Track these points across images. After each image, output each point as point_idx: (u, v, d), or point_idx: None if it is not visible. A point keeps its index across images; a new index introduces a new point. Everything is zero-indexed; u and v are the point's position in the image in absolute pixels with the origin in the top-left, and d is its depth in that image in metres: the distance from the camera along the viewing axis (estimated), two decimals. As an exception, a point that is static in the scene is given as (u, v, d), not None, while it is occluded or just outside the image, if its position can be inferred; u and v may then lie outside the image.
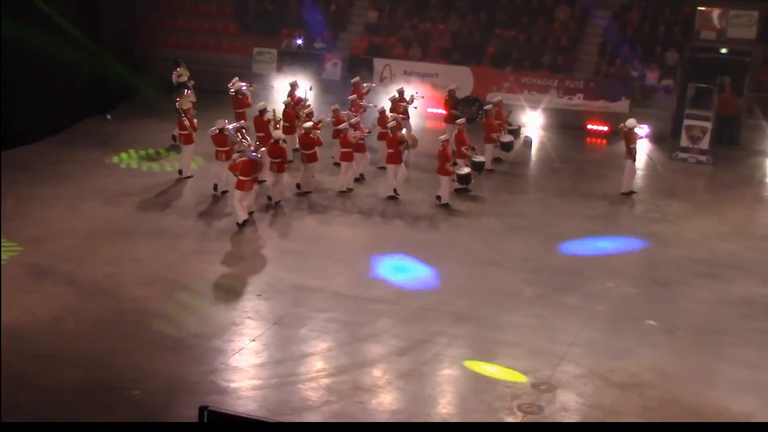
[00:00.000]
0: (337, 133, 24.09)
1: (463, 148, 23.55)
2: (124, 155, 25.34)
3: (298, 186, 22.93)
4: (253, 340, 15.82)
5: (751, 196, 24.73)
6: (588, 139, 29.78)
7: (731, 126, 29.15)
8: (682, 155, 27.08)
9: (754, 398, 14.44)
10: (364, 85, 28.08)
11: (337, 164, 24.00)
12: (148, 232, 20.25)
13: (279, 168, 22.14)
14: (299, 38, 34.10)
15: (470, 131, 24.92)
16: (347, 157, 23.18)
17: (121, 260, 18.73)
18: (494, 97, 27.67)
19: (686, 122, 27.57)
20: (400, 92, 26.98)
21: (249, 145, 21.36)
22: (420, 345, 15.83)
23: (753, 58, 30.70)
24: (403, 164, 23.20)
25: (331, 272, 18.56)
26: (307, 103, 25.61)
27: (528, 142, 28.03)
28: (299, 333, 16.17)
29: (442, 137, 22.90)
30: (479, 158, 24.01)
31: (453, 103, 27.53)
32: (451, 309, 17.19)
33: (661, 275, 19.16)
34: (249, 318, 16.63)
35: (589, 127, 30.18)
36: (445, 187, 22.49)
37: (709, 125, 27.82)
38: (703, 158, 26.72)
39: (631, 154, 23.72)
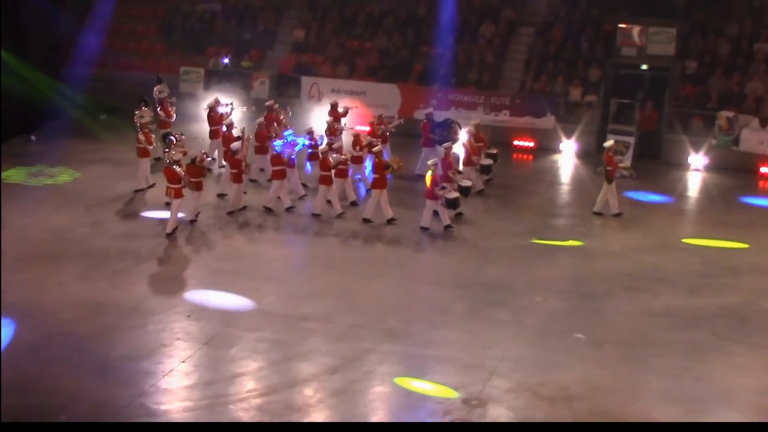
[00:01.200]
0: (315, 156, 24.09)
1: (450, 172, 23.23)
2: (11, 172, 24.96)
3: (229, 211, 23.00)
4: (183, 362, 15.69)
5: (673, 210, 25.25)
6: (514, 155, 30.12)
7: (653, 141, 29.75)
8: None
9: (678, 407, 14.71)
10: (341, 107, 27.70)
11: (305, 185, 24.38)
12: (75, 254, 19.99)
13: (236, 179, 22.53)
14: (226, 57, 34.02)
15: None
16: (325, 181, 22.94)
17: (46, 283, 18.46)
18: (471, 120, 27.17)
19: (609, 137, 28.02)
20: (334, 104, 27.04)
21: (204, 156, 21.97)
22: (351, 363, 15.85)
23: (672, 74, 31.40)
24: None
25: (262, 291, 18.51)
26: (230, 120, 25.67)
27: (456, 159, 28.20)
28: (230, 353, 16.08)
29: (430, 161, 22.76)
30: (466, 182, 23.69)
31: (431, 126, 27.02)
32: (382, 326, 17.24)
33: (588, 289, 19.45)
34: (179, 339, 16.50)
35: (516, 143, 30.56)
36: (429, 211, 22.28)
37: (632, 140, 28.40)
38: (626, 173, 27.17)
39: (608, 176, 23.72)
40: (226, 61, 33.99)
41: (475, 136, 25.87)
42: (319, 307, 18.01)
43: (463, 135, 26.15)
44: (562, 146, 29.88)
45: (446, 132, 26.55)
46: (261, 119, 25.63)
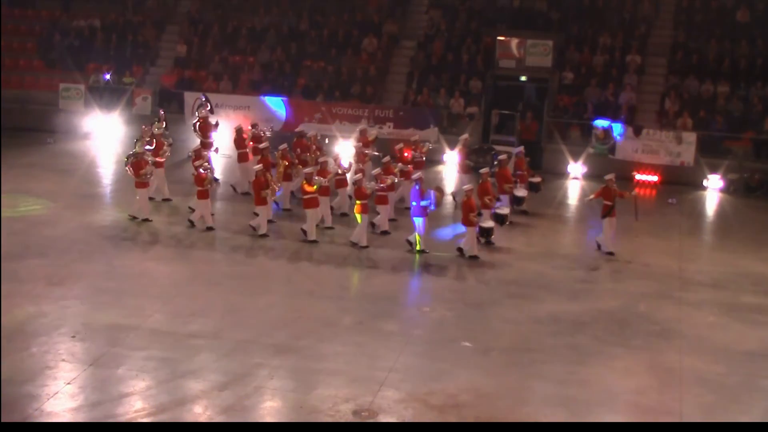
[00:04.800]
0: (342, 183, 24.06)
1: (486, 199, 22.93)
2: None
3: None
4: (69, 383, 15.40)
5: (555, 217, 25.86)
6: (399, 167, 30.33)
7: (533, 150, 30.41)
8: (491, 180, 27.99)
9: (564, 411, 15.08)
10: (372, 132, 27.05)
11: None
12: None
13: (201, 195, 22.88)
14: (107, 73, 33.55)
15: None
16: (311, 204, 22.55)
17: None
18: (514, 149, 26.86)
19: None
20: (362, 131, 26.66)
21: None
22: (241, 379, 15.79)
23: (550, 86, 32.21)
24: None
25: (149, 309, 18.31)
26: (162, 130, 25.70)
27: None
28: (116, 373, 15.85)
29: (466, 187, 22.53)
30: (502, 210, 23.43)
31: (467, 152, 26.72)
32: (271, 341, 17.23)
33: (474, 297, 19.79)
34: (63, 360, 16.18)
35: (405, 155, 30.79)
36: (471, 237, 21.94)
37: (513, 150, 28.92)
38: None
39: (609, 211, 22.45)
40: (108, 77, 33.53)
41: (517, 163, 25.55)
42: (207, 323, 17.90)
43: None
44: (445, 157, 30.28)
45: (483, 158, 26.22)
46: (284, 144, 25.15)
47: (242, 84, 33.53)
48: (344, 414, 14.76)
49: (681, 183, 29.27)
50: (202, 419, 14.52)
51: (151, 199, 24.36)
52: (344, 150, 26.64)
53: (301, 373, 16.14)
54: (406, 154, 25.42)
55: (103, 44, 35.20)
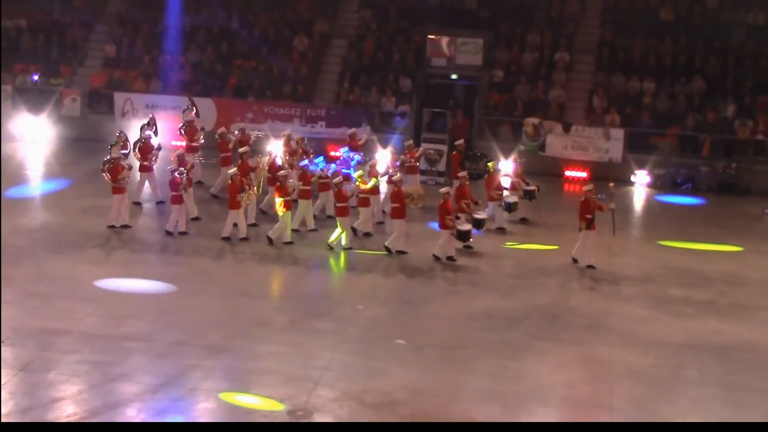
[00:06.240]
0: (325, 186, 23.72)
1: (463, 203, 22.65)
2: None
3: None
4: (-1, 390, 15.20)
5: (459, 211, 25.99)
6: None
7: (465, 148, 30.59)
8: (421, 177, 28.15)
9: (497, 406, 15.23)
10: (362, 136, 27.21)
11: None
12: None
13: (175, 200, 22.67)
14: (35, 74, 33.06)
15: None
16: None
17: None
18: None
19: (423, 146, 28.71)
20: (352, 134, 26.75)
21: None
22: (174, 380, 15.69)
23: (480, 83, 32.48)
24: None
25: (80, 313, 18.11)
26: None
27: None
28: (48, 378, 15.65)
29: (443, 189, 22.29)
30: (480, 215, 23.15)
31: (461, 158, 26.53)
32: (205, 342, 17.15)
33: (408, 295, 19.91)
34: (-7, 366, 15.95)
35: (332, 153, 30.82)
36: (445, 241, 21.78)
37: (444, 148, 29.16)
38: (441, 180, 27.88)
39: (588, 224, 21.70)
40: (36, 78, 33.04)
41: (513, 171, 25.39)
42: (139, 325, 17.75)
43: (509, 165, 25.93)
44: (377, 156, 30.30)
45: (475, 164, 26.05)
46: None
47: (173, 84, 33.26)
48: (279, 414, 14.76)
49: (609, 179, 29.52)
50: (136, 422, 14.41)
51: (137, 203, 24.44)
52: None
53: (236, 373, 16.11)
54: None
55: (30, 45, 34.67)
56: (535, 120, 30.74)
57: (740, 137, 30.54)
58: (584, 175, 30.02)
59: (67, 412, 14.64)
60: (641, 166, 29.91)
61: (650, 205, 28.18)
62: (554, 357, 17.21)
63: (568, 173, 29.66)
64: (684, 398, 15.86)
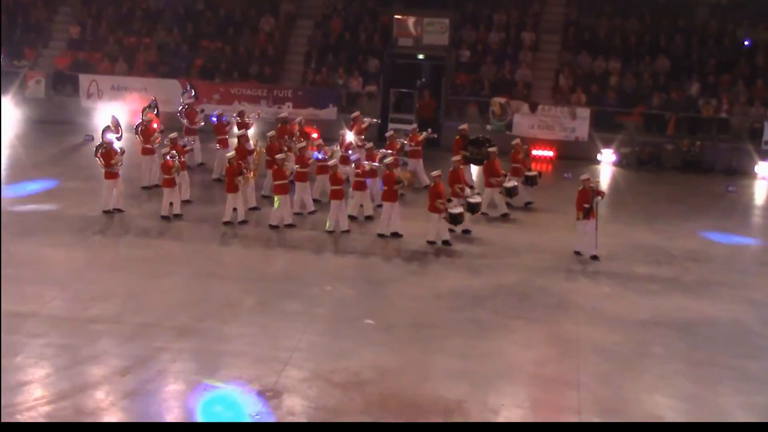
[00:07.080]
0: (323, 170, 23.52)
1: (456, 187, 22.47)
2: None
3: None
4: (-34, 374, 15.12)
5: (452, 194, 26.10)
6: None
7: (432, 128, 30.63)
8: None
9: (466, 384, 15.35)
10: (365, 120, 27.06)
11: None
12: None
13: (166, 183, 22.72)
14: (-2, 55, 32.78)
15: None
16: (281, 190, 22.28)
17: None
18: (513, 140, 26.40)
19: (390, 126, 28.71)
20: (355, 117, 26.85)
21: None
22: (143, 363, 15.70)
23: (447, 63, 32.51)
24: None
25: (47, 296, 18.04)
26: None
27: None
28: (15, 361, 15.59)
29: (434, 173, 22.00)
30: (475, 199, 22.66)
31: (463, 143, 26.22)
32: (173, 324, 17.15)
33: (376, 276, 19.98)
34: (-41, 351, 15.87)
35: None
36: (435, 224, 21.65)
37: (412, 128, 29.12)
38: (407, 160, 27.84)
39: (587, 213, 21.30)
40: (-1, 59, 32.75)
41: (513, 156, 25.16)
42: (107, 308, 17.72)
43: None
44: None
45: (479, 149, 25.73)
46: (273, 132, 24.96)
47: (138, 65, 33.06)
48: (248, 395, 14.80)
49: (576, 158, 29.88)
50: (105, 405, 14.40)
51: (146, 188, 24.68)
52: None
53: (205, 355, 16.12)
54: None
55: (-7, 26, 34.33)
56: (501, 99, 30.84)
57: (704, 115, 30.79)
58: (551, 154, 30.20)
59: (34, 395, 14.61)
60: (607, 145, 30.10)
61: (616, 184, 28.34)
62: (522, 335, 17.35)
63: (534, 152, 29.77)
64: (649, 374, 16.05)
